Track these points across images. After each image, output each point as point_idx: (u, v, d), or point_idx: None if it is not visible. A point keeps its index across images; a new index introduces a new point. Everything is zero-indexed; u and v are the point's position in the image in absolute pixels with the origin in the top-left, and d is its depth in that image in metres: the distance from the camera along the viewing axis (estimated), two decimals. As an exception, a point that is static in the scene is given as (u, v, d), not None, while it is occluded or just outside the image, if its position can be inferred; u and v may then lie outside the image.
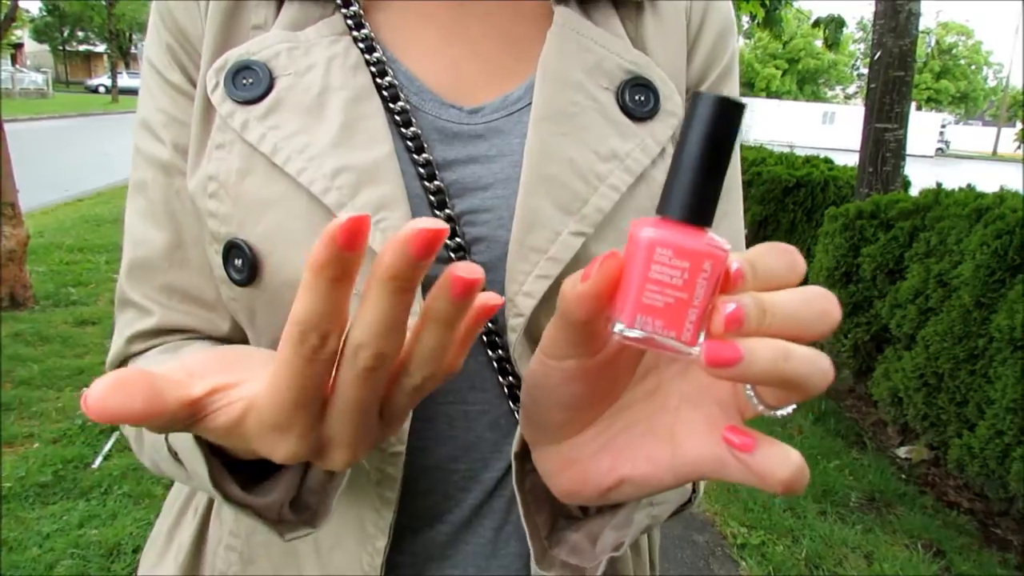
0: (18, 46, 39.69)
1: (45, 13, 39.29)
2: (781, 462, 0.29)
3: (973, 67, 44.84)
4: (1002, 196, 3.12)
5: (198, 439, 0.38)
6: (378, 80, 0.47)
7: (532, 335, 0.46)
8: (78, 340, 3.60)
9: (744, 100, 0.31)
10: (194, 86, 0.49)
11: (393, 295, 0.27)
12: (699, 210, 0.29)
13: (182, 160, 0.50)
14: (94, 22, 38.78)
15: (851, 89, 55.39)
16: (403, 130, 0.47)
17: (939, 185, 3.40)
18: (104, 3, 32.96)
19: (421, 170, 0.46)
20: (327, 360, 0.29)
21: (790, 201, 4.64)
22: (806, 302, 0.29)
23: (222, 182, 0.46)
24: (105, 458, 2.52)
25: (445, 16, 0.50)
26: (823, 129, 36.81)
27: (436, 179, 0.46)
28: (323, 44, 0.47)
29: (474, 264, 0.28)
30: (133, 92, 43.15)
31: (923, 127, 35.69)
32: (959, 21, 47.16)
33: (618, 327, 0.29)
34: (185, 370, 0.32)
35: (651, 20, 0.51)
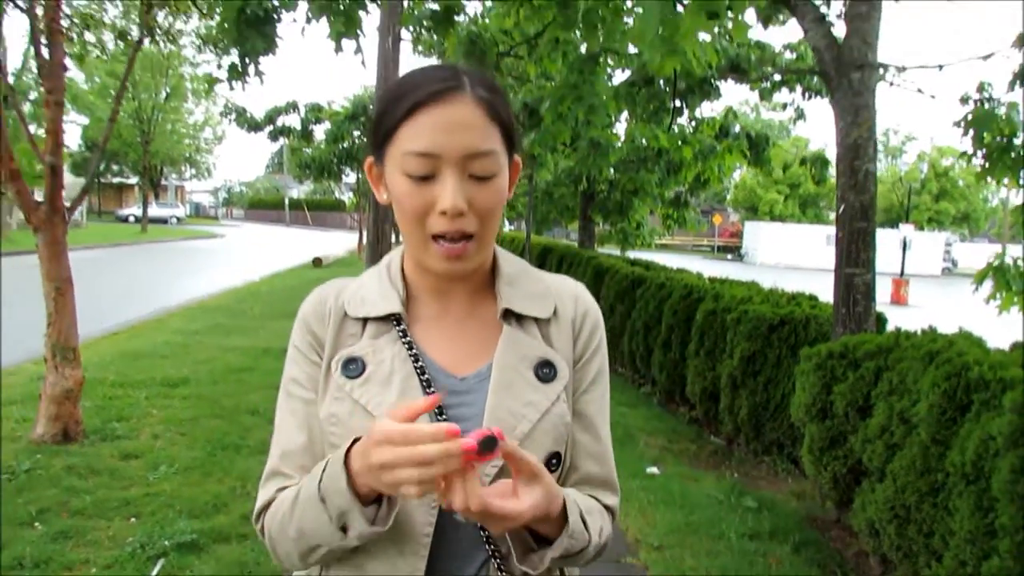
0: (57, 174, 41.79)
1: (85, 149, 41.66)
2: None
3: (971, 188, 46.15)
4: (951, 340, 3.50)
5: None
6: (415, 364, 0.90)
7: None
8: (124, 473, 3.97)
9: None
10: (319, 358, 0.94)
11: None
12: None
13: (315, 397, 0.93)
14: (129, 157, 40.95)
15: (854, 212, 56.53)
16: (428, 388, 0.89)
17: (898, 329, 3.79)
18: (140, 141, 35.27)
19: (438, 412, 0.89)
20: None
21: (775, 338, 5.01)
22: None
23: (339, 419, 0.89)
24: (153, 583, 2.84)
25: (444, 330, 0.96)
26: (827, 250, 37.55)
27: (443, 416, 0.88)
28: (388, 347, 0.92)
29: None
30: (163, 221, 45.33)
31: (928, 247, 36.50)
32: (954, 145, 48.90)
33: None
34: None
35: (554, 327, 0.98)
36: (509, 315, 0.94)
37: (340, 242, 32.85)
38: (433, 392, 0.88)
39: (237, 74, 4.27)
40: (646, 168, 9.92)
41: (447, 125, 0.83)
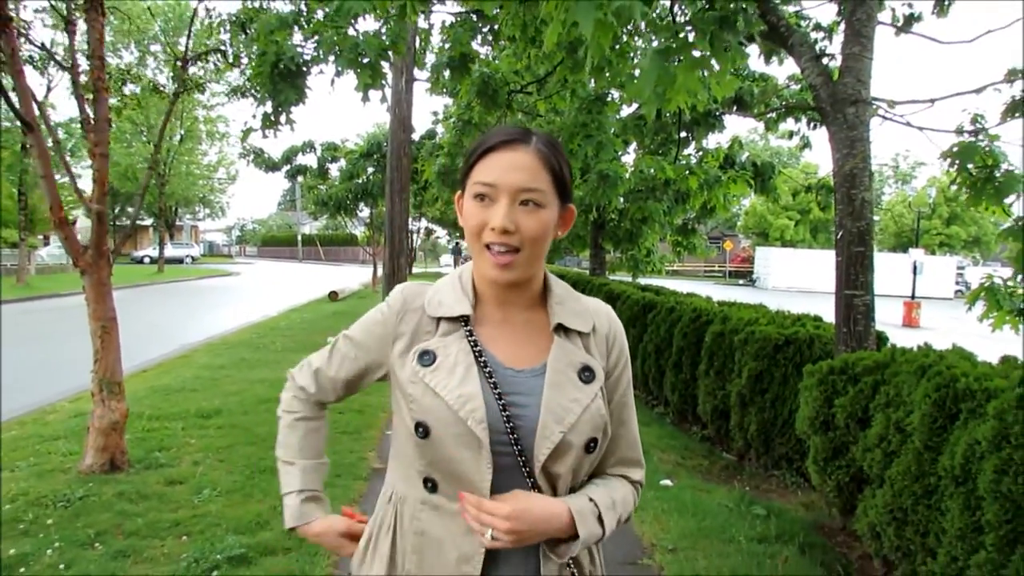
0: (72, 222, 42.62)
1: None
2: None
3: (981, 213, 46.19)
4: (943, 355, 3.74)
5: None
6: (479, 358, 1.18)
7: (546, 473, 1.14)
8: (171, 497, 4.24)
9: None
10: (383, 341, 1.26)
11: None
12: None
13: (354, 357, 1.27)
14: (144, 199, 41.68)
15: (865, 235, 56.65)
16: (490, 378, 1.16)
17: (894, 346, 4.03)
18: (155, 183, 35.99)
19: (497, 394, 1.15)
20: None
21: (781, 357, 5.25)
22: None
23: (415, 398, 1.17)
24: (209, 593, 3.10)
25: (505, 333, 1.23)
26: (839, 275, 37.54)
27: (503, 400, 1.15)
28: (456, 343, 1.19)
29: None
30: (178, 261, 45.97)
31: (940, 271, 36.56)
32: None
33: None
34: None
35: (593, 339, 1.25)
36: (560, 328, 1.22)
37: (354, 276, 33.27)
38: (493, 380, 1.16)
39: (270, 123, 4.62)
40: (654, 197, 10.23)
41: (507, 165, 1.13)
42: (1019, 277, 4.07)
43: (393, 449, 1.25)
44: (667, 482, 4.85)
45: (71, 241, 4.64)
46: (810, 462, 4.15)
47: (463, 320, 1.20)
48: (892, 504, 3.47)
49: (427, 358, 1.18)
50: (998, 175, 4.09)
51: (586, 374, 1.19)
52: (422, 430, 1.14)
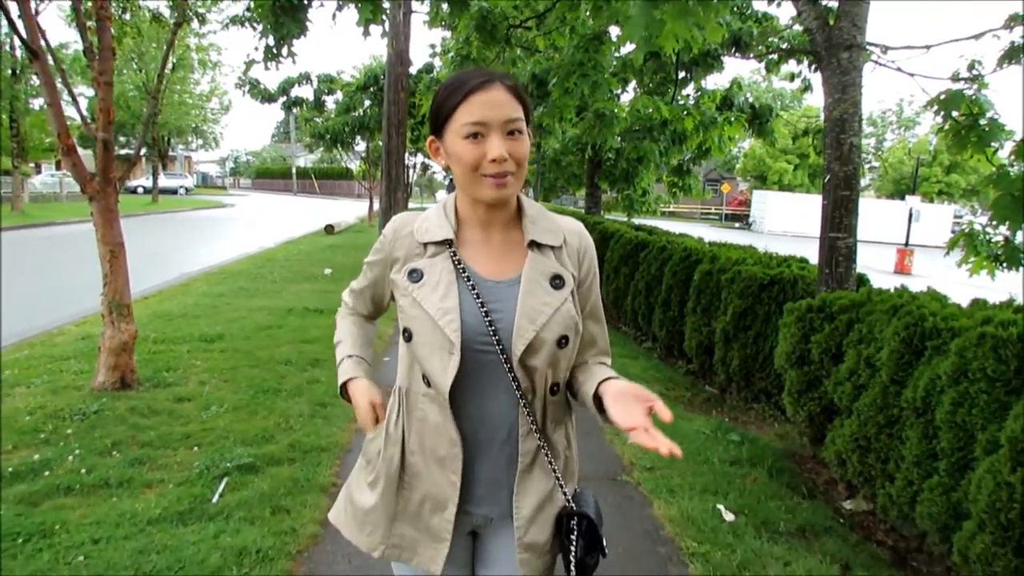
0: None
1: (91, 120, 41.66)
2: (663, 441, 1.18)
3: (981, 161, 45.93)
4: (915, 296, 3.94)
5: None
6: (462, 274, 1.36)
7: (524, 367, 1.34)
8: (180, 413, 4.48)
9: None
10: (385, 263, 1.47)
11: None
12: None
13: (374, 277, 1.49)
14: (136, 128, 41.22)
15: (864, 181, 56.66)
16: (473, 290, 1.35)
17: (870, 286, 4.22)
18: (149, 113, 35.31)
19: (480, 302, 1.34)
20: None
21: (765, 296, 5.45)
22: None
23: (403, 308, 1.38)
24: (221, 495, 3.35)
25: (484, 251, 1.41)
26: (834, 220, 37.63)
27: (485, 307, 1.34)
28: (441, 263, 1.38)
29: None
30: (171, 192, 45.67)
31: (937, 219, 36.71)
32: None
33: None
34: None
35: (564, 252, 1.43)
36: (532, 244, 1.40)
37: (349, 210, 33.22)
38: (476, 291, 1.36)
39: (272, 55, 4.68)
40: (651, 137, 10.28)
41: (490, 103, 1.29)
42: (997, 224, 4.22)
43: (399, 350, 1.44)
44: (649, 410, 5.10)
45: (79, 168, 4.74)
46: (785, 395, 4.39)
47: (448, 243, 1.40)
48: (858, 433, 3.71)
49: (415, 276, 1.38)
50: (983, 123, 4.20)
51: (556, 281, 1.38)
52: (407, 334, 1.37)
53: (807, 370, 4.25)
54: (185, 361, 5.71)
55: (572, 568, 1.38)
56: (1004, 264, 4.43)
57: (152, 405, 4.54)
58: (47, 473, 3.53)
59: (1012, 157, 4.04)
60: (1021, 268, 4.34)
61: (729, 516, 3.41)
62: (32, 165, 35.85)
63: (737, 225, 44.25)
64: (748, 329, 5.45)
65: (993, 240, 4.54)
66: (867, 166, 53.68)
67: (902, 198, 36.12)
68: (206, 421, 4.34)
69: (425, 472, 1.40)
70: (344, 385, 1.55)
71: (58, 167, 43.75)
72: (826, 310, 4.27)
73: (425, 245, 1.40)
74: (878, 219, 36.72)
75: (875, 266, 20.33)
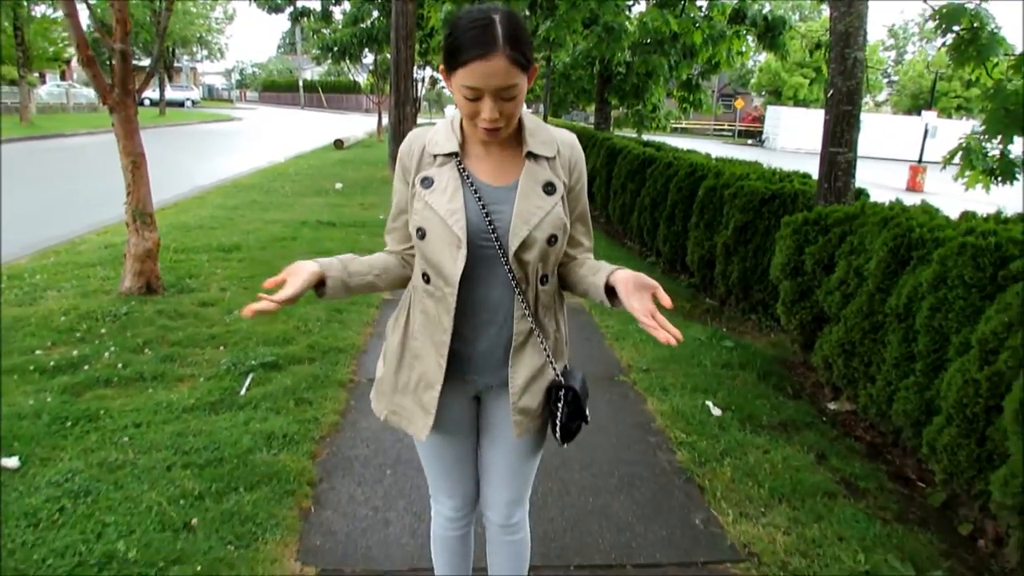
0: (67, 61, 41.62)
1: (94, 30, 40.91)
2: (666, 331, 1.39)
3: (1003, 75, 44.71)
4: (906, 208, 4.09)
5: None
6: (466, 181, 1.55)
7: (518, 260, 1.55)
8: (204, 316, 4.75)
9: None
10: (406, 180, 1.63)
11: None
12: None
13: (402, 206, 1.66)
14: (140, 37, 40.48)
15: (881, 96, 55.48)
16: (476, 194, 1.54)
17: (865, 200, 4.36)
18: (152, 20, 34.66)
19: (481, 204, 1.54)
20: None
21: (766, 210, 5.58)
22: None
23: (417, 211, 1.58)
24: (247, 389, 3.65)
25: (486, 161, 1.60)
26: (849, 138, 37.03)
27: (486, 208, 1.54)
28: (448, 172, 1.57)
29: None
30: (178, 104, 45.21)
31: (954, 135, 35.95)
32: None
33: None
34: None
35: (557, 162, 1.61)
36: (530, 154, 1.59)
37: (358, 124, 32.96)
38: (478, 195, 1.55)
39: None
40: (661, 51, 10.17)
41: (486, 73, 1.43)
42: (989, 138, 4.30)
43: (416, 252, 1.66)
44: (648, 319, 5.34)
45: (98, 79, 4.85)
46: (779, 304, 4.60)
47: (454, 155, 1.59)
48: (844, 339, 3.93)
49: (427, 183, 1.58)
50: (983, 37, 4.24)
51: (549, 188, 1.57)
52: (420, 233, 1.57)
53: (800, 280, 4.44)
54: (206, 269, 5.97)
55: (557, 430, 1.66)
56: (999, 178, 4.53)
57: (178, 308, 4.81)
58: (86, 367, 3.82)
59: (1011, 72, 4.09)
60: (1014, 182, 4.45)
61: (716, 411, 3.69)
62: (37, 75, 35.47)
63: (750, 142, 43.65)
64: (748, 243, 5.62)
65: (990, 155, 4.62)
66: (885, 80, 52.33)
67: (919, 114, 35.40)
68: (229, 324, 4.61)
69: (423, 354, 1.65)
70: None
71: (62, 77, 43.27)
72: (821, 223, 4.42)
73: (435, 156, 1.59)
74: (894, 135, 36.12)
75: (886, 183, 20.23)
